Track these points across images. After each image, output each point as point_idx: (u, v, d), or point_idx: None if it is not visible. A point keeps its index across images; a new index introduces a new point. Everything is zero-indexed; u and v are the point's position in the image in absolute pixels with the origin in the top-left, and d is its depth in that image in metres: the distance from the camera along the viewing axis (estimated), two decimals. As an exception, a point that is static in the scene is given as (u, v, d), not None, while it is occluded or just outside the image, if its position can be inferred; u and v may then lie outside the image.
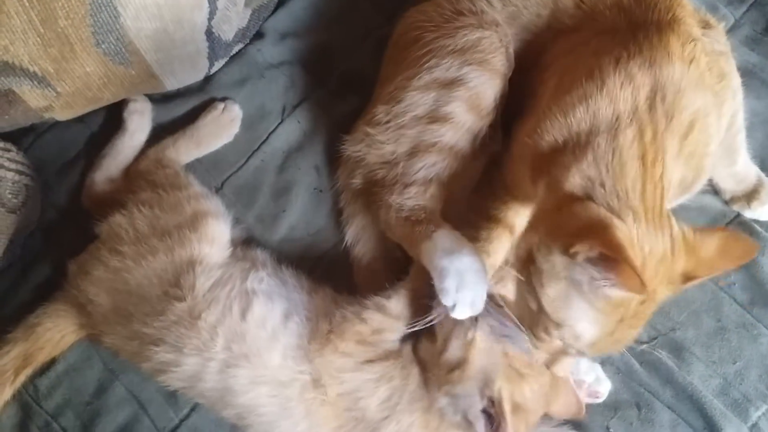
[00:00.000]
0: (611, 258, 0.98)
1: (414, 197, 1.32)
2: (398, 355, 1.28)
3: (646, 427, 1.37)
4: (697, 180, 1.19)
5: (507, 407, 1.17)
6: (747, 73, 1.45)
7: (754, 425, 1.36)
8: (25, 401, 1.41)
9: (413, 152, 1.34)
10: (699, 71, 1.14)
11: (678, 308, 1.42)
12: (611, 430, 1.37)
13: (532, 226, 1.17)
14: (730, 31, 1.62)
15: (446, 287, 1.18)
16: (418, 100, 1.34)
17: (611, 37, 1.22)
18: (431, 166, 1.33)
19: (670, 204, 1.11)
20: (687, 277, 1.07)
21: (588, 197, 1.07)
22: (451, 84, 1.32)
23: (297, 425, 1.25)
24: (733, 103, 1.27)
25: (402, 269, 1.40)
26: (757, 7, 1.66)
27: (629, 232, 1.02)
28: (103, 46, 1.29)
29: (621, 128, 1.09)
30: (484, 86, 1.32)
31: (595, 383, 1.36)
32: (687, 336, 1.41)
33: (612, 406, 1.38)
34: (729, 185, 1.48)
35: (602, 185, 1.06)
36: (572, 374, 1.35)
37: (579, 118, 1.12)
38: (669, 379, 1.39)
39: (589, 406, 1.35)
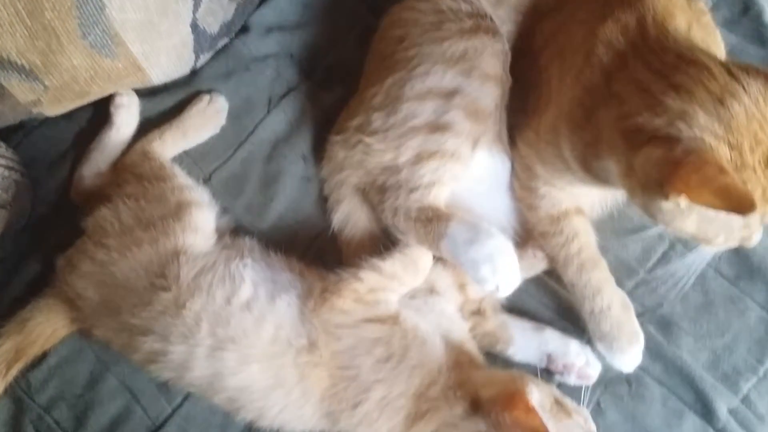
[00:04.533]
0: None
1: (420, 200, 1.35)
2: (395, 321, 1.29)
3: (637, 402, 1.38)
4: None
5: None
6: (727, 54, 1.47)
7: (745, 397, 1.38)
8: (18, 395, 1.41)
9: (416, 160, 1.36)
10: (679, 3, 1.20)
11: (664, 284, 1.43)
12: (602, 405, 1.37)
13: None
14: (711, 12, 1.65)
15: (483, 276, 1.25)
16: (415, 110, 1.36)
17: (595, 3, 1.26)
18: (435, 171, 1.35)
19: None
20: None
21: (639, 129, 1.09)
22: (447, 94, 1.35)
23: (290, 393, 1.26)
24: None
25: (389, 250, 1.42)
26: (734, -10, 1.69)
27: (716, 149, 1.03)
28: (89, 38, 1.31)
29: (627, 59, 1.14)
30: (479, 92, 1.35)
31: (585, 366, 1.37)
32: (674, 311, 1.42)
33: (602, 382, 1.38)
34: None
35: (638, 113, 1.09)
36: (562, 357, 1.37)
37: (593, 77, 1.18)
38: (658, 354, 1.40)
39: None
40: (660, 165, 1.04)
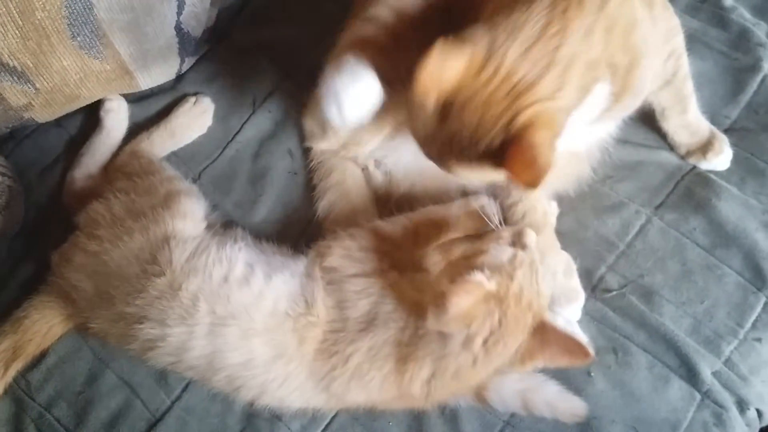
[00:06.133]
0: None
1: None
2: (380, 274, 1.32)
3: (624, 369, 1.41)
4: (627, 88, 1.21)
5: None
6: (690, 38, 1.53)
7: (728, 359, 1.41)
8: (18, 395, 1.43)
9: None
10: None
11: (644, 256, 1.48)
12: (593, 374, 1.41)
13: None
14: (672, 0, 1.72)
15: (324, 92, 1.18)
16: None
17: None
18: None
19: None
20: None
21: None
22: None
23: (290, 361, 1.28)
24: (670, 31, 1.34)
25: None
26: (693, -22, 1.77)
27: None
28: (78, 39, 1.35)
29: None
30: None
31: (571, 337, 1.41)
32: (655, 281, 1.46)
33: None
34: (684, 138, 1.54)
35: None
36: None
37: None
38: (642, 323, 1.43)
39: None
40: None
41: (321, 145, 1.50)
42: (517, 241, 1.26)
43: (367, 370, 1.27)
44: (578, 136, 1.33)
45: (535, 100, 1.04)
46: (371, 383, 1.28)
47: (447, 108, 1.07)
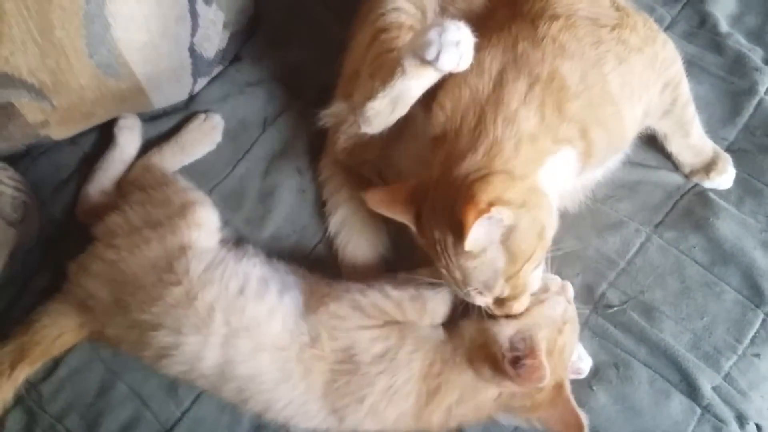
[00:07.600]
0: None
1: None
2: (397, 323, 1.35)
3: (626, 384, 1.43)
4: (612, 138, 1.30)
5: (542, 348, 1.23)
6: (687, 63, 1.56)
7: (727, 374, 1.44)
8: (29, 407, 1.45)
9: (375, 70, 1.29)
10: (558, 41, 1.22)
11: (644, 273, 1.51)
12: (594, 388, 1.43)
13: None
14: (669, 27, 1.78)
15: (429, 38, 1.09)
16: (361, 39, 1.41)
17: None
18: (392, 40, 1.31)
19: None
20: None
21: None
22: None
23: (295, 387, 1.30)
24: (662, 63, 1.34)
25: (383, 257, 1.54)
26: (690, 5, 1.82)
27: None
28: (95, 58, 1.39)
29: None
30: None
31: (577, 360, 1.42)
32: (655, 297, 1.49)
33: (592, 368, 1.44)
34: (687, 159, 1.57)
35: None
36: None
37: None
38: (642, 338, 1.46)
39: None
40: None
41: (378, 126, 1.30)
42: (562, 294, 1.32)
43: (384, 408, 1.30)
44: (570, 184, 1.39)
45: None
46: (388, 419, 1.31)
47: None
